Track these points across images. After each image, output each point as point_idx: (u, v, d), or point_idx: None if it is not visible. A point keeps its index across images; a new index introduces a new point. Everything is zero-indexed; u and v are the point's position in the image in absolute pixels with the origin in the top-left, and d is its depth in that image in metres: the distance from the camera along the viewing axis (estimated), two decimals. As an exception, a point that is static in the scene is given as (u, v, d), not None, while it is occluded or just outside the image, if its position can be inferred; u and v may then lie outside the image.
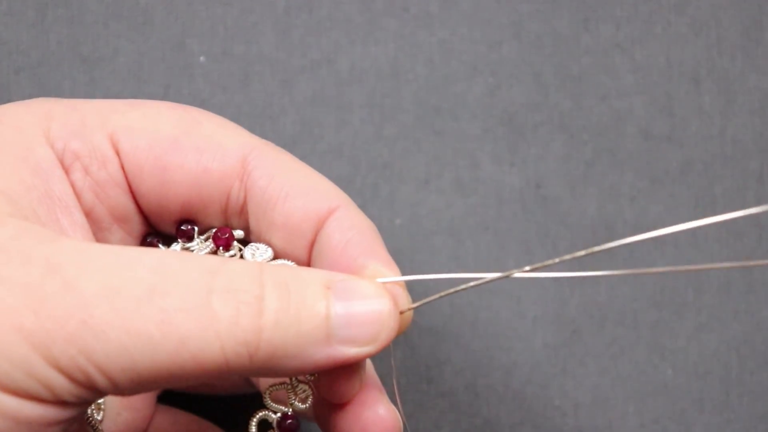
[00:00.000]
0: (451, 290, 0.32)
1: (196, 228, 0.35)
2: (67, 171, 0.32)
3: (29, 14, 0.45)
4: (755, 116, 0.46)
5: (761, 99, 0.46)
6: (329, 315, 0.28)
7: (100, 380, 0.26)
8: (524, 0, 0.46)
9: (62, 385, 0.25)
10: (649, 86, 0.46)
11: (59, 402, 0.26)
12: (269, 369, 0.27)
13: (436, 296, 0.32)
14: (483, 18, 0.46)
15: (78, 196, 0.32)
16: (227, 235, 0.34)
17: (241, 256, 0.34)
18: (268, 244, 0.34)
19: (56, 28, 0.45)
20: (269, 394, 0.33)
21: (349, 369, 0.32)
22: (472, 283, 0.30)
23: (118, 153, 0.33)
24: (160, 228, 0.35)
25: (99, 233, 0.34)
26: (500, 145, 0.45)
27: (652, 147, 0.45)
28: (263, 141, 0.35)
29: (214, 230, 0.34)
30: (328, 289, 0.28)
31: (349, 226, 0.33)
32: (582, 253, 0.30)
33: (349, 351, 0.28)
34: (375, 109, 0.45)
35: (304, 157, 0.35)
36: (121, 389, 0.26)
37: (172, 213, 0.34)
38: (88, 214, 0.33)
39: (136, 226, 0.35)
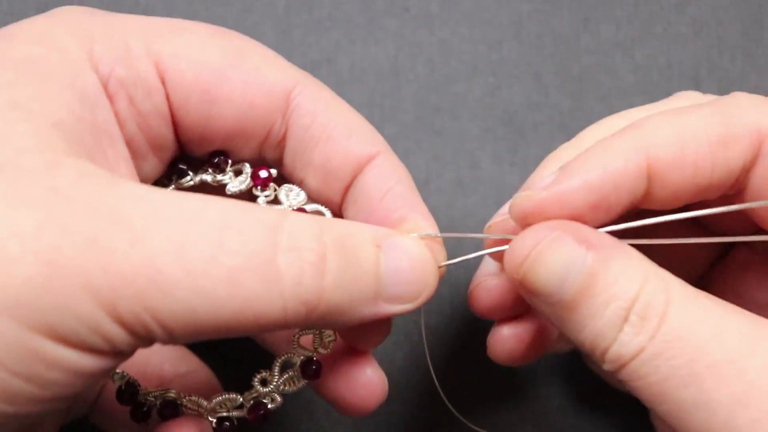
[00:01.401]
0: (485, 252, 0.33)
1: (230, 161, 0.34)
2: (111, 99, 0.31)
3: (29, 14, 0.45)
4: (755, 116, 0.46)
5: (761, 99, 0.46)
6: (379, 275, 0.28)
7: (160, 334, 0.26)
8: (524, 0, 0.46)
9: (122, 339, 0.25)
10: (649, 86, 0.46)
11: (115, 353, 0.26)
12: (320, 325, 0.28)
13: (471, 256, 0.33)
14: (483, 18, 0.46)
15: (121, 125, 0.32)
16: (267, 175, 0.34)
17: (276, 198, 0.34)
18: (302, 182, 0.34)
19: (56, 28, 0.45)
20: (298, 338, 0.33)
21: (382, 320, 0.32)
22: (505, 247, 0.31)
23: (163, 82, 0.32)
24: (191, 153, 0.35)
25: (135, 160, 0.33)
26: (500, 145, 0.45)
27: (652, 147, 0.45)
28: (305, 74, 0.34)
29: (246, 164, 0.34)
30: (378, 247, 0.28)
31: (389, 175, 0.33)
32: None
33: (394, 308, 0.29)
34: (375, 109, 0.45)
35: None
36: (177, 341, 0.26)
37: (212, 144, 0.34)
38: (128, 143, 0.32)
39: (169, 154, 0.34)
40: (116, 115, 0.32)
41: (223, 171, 0.35)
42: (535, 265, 0.30)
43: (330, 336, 0.33)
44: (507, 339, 0.35)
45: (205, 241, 0.26)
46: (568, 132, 0.45)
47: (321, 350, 0.33)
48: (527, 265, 0.30)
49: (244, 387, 0.35)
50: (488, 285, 0.34)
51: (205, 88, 0.32)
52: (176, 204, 0.26)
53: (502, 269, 0.32)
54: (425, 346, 0.36)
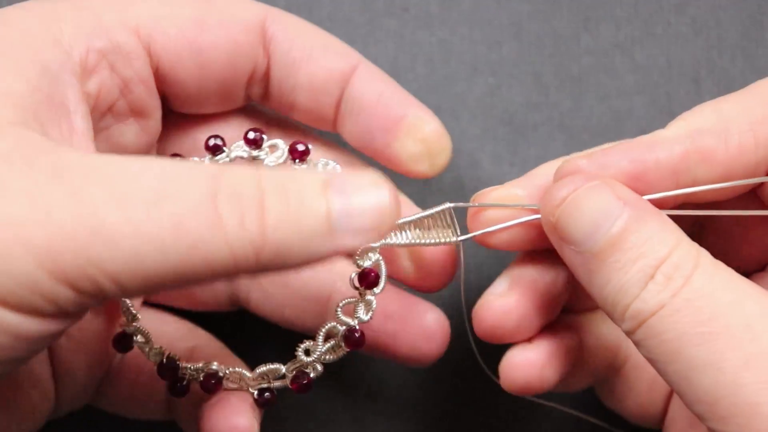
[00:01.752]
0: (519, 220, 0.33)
1: (265, 137, 0.35)
2: (92, 70, 0.32)
3: (29, 14, 0.45)
4: (755, 116, 0.46)
5: (761, 99, 0.46)
6: (329, 209, 0.28)
7: (109, 287, 0.26)
8: (524, 0, 0.46)
9: (67, 298, 0.25)
10: (649, 86, 0.46)
11: (61, 314, 0.26)
12: (276, 265, 0.28)
13: (499, 227, 0.34)
14: (483, 18, 0.46)
15: (98, 95, 0.33)
16: (304, 149, 0.35)
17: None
18: (292, 106, 0.36)
19: (56, 28, 0.45)
20: (342, 307, 0.34)
21: (444, 259, 0.35)
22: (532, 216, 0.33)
23: (148, 48, 0.33)
24: (189, 112, 0.36)
25: (116, 125, 0.34)
26: (500, 145, 0.45)
27: (652, 147, 0.45)
28: (273, 8, 0.36)
29: (280, 141, 0.35)
30: (326, 186, 0.28)
31: (376, 80, 0.36)
32: None
33: (353, 240, 0.29)
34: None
35: (304, 157, 0.36)
36: (128, 293, 0.26)
37: (209, 97, 0.35)
38: (110, 108, 0.34)
39: (154, 123, 0.35)
40: (101, 83, 0.33)
41: (259, 147, 0.35)
42: (570, 207, 0.30)
43: (371, 302, 0.34)
44: (521, 366, 0.34)
45: (148, 190, 0.26)
46: (568, 132, 0.45)
47: (362, 317, 0.34)
48: (563, 208, 0.30)
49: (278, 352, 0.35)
50: (493, 305, 0.34)
51: (191, 40, 0.34)
52: (117, 163, 0.27)
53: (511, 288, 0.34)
54: (465, 320, 0.36)
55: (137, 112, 0.35)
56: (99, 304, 0.27)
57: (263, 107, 0.39)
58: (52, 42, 0.31)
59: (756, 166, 0.33)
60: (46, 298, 0.25)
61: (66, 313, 0.26)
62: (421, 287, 0.37)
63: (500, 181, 0.45)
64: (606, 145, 0.34)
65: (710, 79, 0.46)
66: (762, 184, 0.34)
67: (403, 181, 0.45)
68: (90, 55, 0.32)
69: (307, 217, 0.27)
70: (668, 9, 0.46)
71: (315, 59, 0.35)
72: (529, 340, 0.35)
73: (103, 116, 0.34)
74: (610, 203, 0.30)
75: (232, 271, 0.27)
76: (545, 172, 0.34)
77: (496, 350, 0.35)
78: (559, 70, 0.46)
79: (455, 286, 0.36)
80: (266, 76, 0.36)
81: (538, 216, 0.33)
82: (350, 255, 0.35)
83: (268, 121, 0.39)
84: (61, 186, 0.25)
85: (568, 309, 0.37)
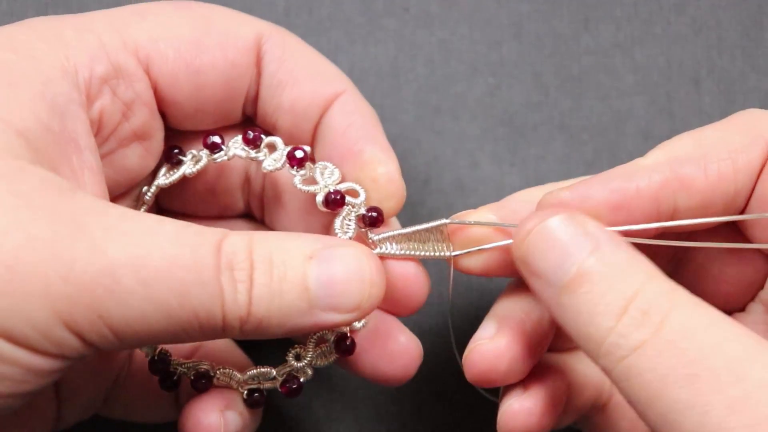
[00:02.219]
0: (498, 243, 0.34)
1: (263, 136, 0.35)
2: (95, 97, 0.32)
3: (29, 14, 0.45)
4: (755, 116, 0.46)
5: (761, 99, 0.46)
6: (308, 287, 0.29)
7: (112, 340, 0.27)
8: (524, 0, 0.46)
9: (72, 345, 0.27)
10: (649, 86, 0.46)
11: (63, 357, 0.27)
12: (257, 335, 0.29)
13: (485, 246, 0.34)
14: (483, 18, 0.46)
15: (107, 118, 0.33)
16: (303, 155, 0.35)
17: (311, 176, 0.35)
18: (275, 126, 0.36)
19: (56, 28, 0.45)
20: None
21: (412, 283, 0.34)
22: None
23: (147, 69, 0.33)
24: (188, 129, 0.36)
25: (120, 149, 0.34)
26: (500, 145, 0.45)
27: (652, 147, 0.45)
28: (270, 24, 0.36)
29: (278, 140, 0.35)
30: (310, 259, 0.29)
31: (352, 111, 0.35)
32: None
33: (334, 318, 0.29)
34: (375, 109, 0.45)
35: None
36: (124, 346, 0.28)
37: (207, 115, 0.35)
38: (113, 133, 0.34)
39: (157, 144, 0.35)
40: (102, 109, 0.33)
41: (257, 147, 0.35)
42: (537, 239, 0.30)
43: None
44: (520, 415, 0.34)
45: (161, 254, 0.27)
46: (568, 132, 0.45)
47: (356, 324, 0.34)
48: (530, 240, 0.30)
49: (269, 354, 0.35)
50: (483, 349, 0.33)
51: (188, 61, 0.34)
52: (133, 218, 0.28)
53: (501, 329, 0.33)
54: (452, 337, 0.36)
55: (140, 135, 0.35)
56: (97, 352, 0.28)
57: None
58: (60, 71, 0.31)
59: (735, 194, 0.33)
60: (54, 343, 0.27)
61: (68, 357, 0.27)
62: (376, 380, 0.36)
63: (500, 181, 0.45)
64: (584, 178, 0.34)
65: (710, 79, 0.46)
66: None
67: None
68: (93, 81, 0.32)
69: (288, 291, 0.29)
70: (668, 9, 0.46)
71: (300, 83, 0.35)
72: (523, 385, 0.34)
73: (105, 141, 0.34)
74: (578, 235, 0.29)
75: (219, 336, 0.29)
76: (521, 198, 0.35)
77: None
78: (559, 70, 0.46)
79: (442, 306, 0.36)
80: (257, 96, 0.36)
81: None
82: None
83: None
84: (82, 241, 0.26)
85: (551, 348, 0.36)
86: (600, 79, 0.45)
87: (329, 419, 0.44)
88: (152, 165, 0.36)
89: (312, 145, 0.36)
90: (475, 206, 0.45)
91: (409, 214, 0.45)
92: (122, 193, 0.36)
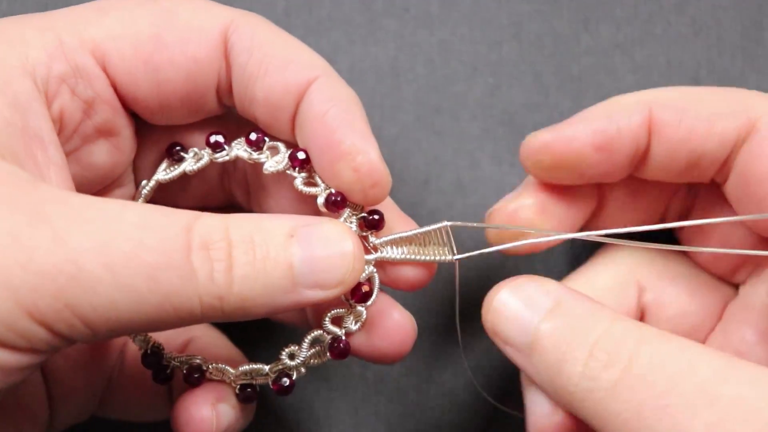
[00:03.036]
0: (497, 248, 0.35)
1: (267, 139, 0.35)
2: (53, 96, 0.32)
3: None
4: (755, 116, 0.46)
5: (761, 99, 0.46)
6: (292, 264, 0.29)
7: (82, 330, 0.27)
8: (524, 0, 0.46)
9: (41, 337, 0.26)
10: (649, 86, 0.45)
11: (34, 351, 0.27)
12: (240, 315, 0.29)
13: (486, 250, 0.34)
14: (483, 18, 0.46)
15: (67, 116, 0.32)
16: (304, 157, 0.34)
17: (312, 178, 0.34)
18: (255, 118, 0.35)
19: (56, 28, 0.45)
20: (330, 318, 0.34)
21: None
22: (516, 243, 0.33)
23: (104, 67, 0.33)
24: (159, 123, 0.35)
25: (85, 146, 0.34)
26: (500, 145, 0.45)
27: (652, 147, 0.45)
28: (242, 12, 0.35)
29: (281, 144, 0.35)
30: (291, 237, 0.29)
31: (327, 98, 0.33)
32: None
33: (317, 294, 0.30)
34: (375, 109, 0.45)
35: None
36: (98, 337, 0.28)
37: (173, 109, 0.34)
38: (75, 131, 0.33)
39: (126, 140, 0.35)
40: (62, 108, 0.32)
41: (260, 149, 0.35)
42: (495, 313, 0.31)
43: (361, 313, 0.34)
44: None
45: (126, 238, 0.27)
46: (568, 132, 0.45)
47: (351, 327, 0.34)
48: (493, 311, 0.32)
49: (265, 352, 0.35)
50: (541, 425, 0.33)
51: (146, 58, 0.33)
52: (96, 206, 0.28)
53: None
54: (458, 332, 0.36)
55: (105, 132, 0.34)
56: (69, 345, 0.28)
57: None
58: (21, 70, 0.31)
59: (701, 155, 0.33)
60: (21, 335, 0.26)
61: (38, 351, 0.27)
62: (372, 359, 0.36)
63: (500, 181, 0.45)
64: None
65: (710, 79, 0.46)
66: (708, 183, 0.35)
67: (401, 180, 0.45)
68: (51, 80, 0.32)
69: (272, 270, 0.28)
70: (668, 9, 0.46)
71: (271, 73, 0.34)
72: None
73: (69, 139, 0.33)
74: (536, 293, 0.31)
75: (198, 320, 0.28)
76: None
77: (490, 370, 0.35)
78: (559, 70, 0.46)
79: (449, 303, 0.36)
80: (230, 87, 0.35)
81: (549, 237, 0.34)
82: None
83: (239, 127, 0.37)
84: (43, 230, 0.26)
85: None
86: (600, 79, 0.45)
87: (329, 419, 0.44)
88: (125, 160, 0.36)
89: (292, 133, 0.35)
90: (475, 206, 0.45)
91: (409, 214, 0.45)
92: (102, 189, 0.36)
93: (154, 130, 0.36)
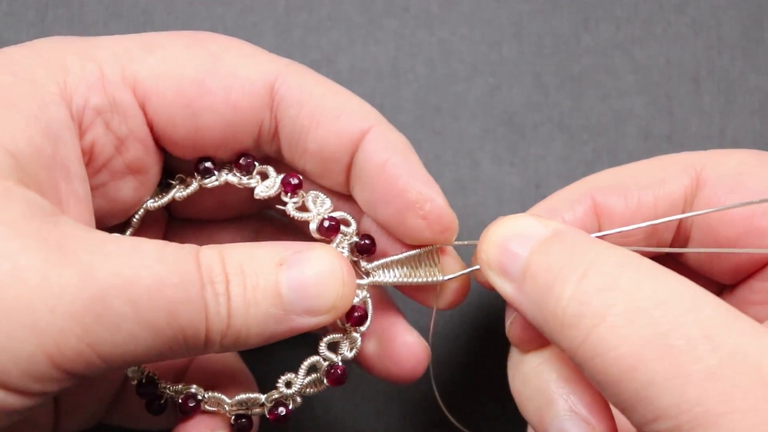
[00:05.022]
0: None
1: (256, 163, 0.35)
2: (87, 128, 0.31)
3: (29, 14, 0.45)
4: (755, 116, 0.46)
5: (761, 99, 0.46)
6: (281, 293, 0.29)
7: (98, 367, 0.27)
8: (524, 0, 0.46)
9: (56, 379, 0.26)
10: (649, 86, 0.46)
11: (44, 393, 0.26)
12: (236, 347, 0.29)
13: (471, 269, 0.34)
14: (483, 18, 0.46)
15: (98, 150, 0.32)
16: (297, 182, 0.34)
17: (303, 205, 0.34)
18: (304, 170, 0.35)
19: (56, 28, 0.45)
20: (326, 344, 0.34)
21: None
22: None
23: (143, 106, 0.32)
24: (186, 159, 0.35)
25: (112, 182, 0.34)
26: (500, 145, 0.45)
27: (652, 147, 0.45)
28: (287, 62, 0.34)
29: (270, 168, 0.35)
30: (280, 265, 0.29)
31: (384, 147, 0.33)
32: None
33: (309, 321, 0.29)
34: (375, 109, 0.45)
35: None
36: (110, 370, 0.27)
37: (208, 152, 0.34)
38: (105, 165, 0.33)
39: (153, 177, 0.35)
40: (94, 141, 0.32)
41: (249, 173, 0.35)
42: (495, 238, 0.31)
43: (356, 340, 0.34)
44: None
45: (148, 273, 0.27)
46: (568, 132, 0.45)
47: (346, 354, 0.34)
48: (488, 239, 0.31)
49: (262, 377, 0.35)
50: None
51: (187, 103, 0.32)
52: (113, 241, 0.27)
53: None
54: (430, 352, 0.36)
55: (134, 170, 0.34)
56: (79, 382, 0.27)
57: None
58: (58, 97, 0.30)
59: (655, 228, 0.34)
60: (37, 380, 0.26)
61: (48, 393, 0.27)
62: (385, 379, 0.36)
63: (500, 181, 0.45)
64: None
65: (710, 79, 0.46)
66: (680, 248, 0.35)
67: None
68: (87, 111, 0.31)
69: (262, 299, 0.28)
70: (668, 9, 0.46)
71: (323, 125, 0.33)
72: None
73: (98, 172, 0.33)
74: (534, 224, 0.30)
75: (197, 353, 0.29)
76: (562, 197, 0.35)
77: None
78: (559, 70, 0.46)
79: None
80: (276, 138, 0.34)
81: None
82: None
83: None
84: (71, 266, 0.26)
85: None
86: (600, 79, 0.45)
87: (329, 419, 0.44)
88: (146, 196, 0.35)
89: (347, 185, 0.34)
90: (475, 206, 0.45)
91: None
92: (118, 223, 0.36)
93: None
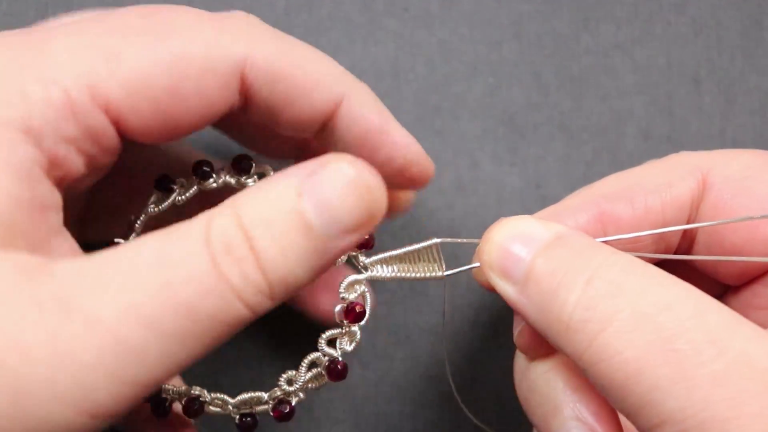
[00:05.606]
0: None
1: (253, 163, 0.35)
2: (61, 160, 0.30)
3: (29, 14, 0.45)
4: (755, 116, 0.46)
5: (761, 99, 0.46)
6: (311, 225, 0.27)
7: (143, 392, 0.26)
8: (524, 0, 0.46)
9: (84, 425, 0.25)
10: (649, 86, 0.46)
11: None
12: (290, 294, 0.27)
13: (472, 266, 0.33)
14: (483, 18, 0.46)
15: (64, 178, 0.30)
16: None
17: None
18: (273, 134, 0.34)
19: (56, 28, 0.45)
20: (326, 340, 0.34)
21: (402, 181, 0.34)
22: None
23: (117, 123, 0.30)
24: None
25: (84, 189, 0.33)
26: (500, 145, 0.45)
27: (652, 147, 0.45)
28: (255, 43, 0.32)
29: (268, 167, 0.35)
30: (300, 196, 0.27)
31: (360, 114, 0.33)
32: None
33: (351, 238, 0.27)
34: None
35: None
36: (159, 385, 0.27)
37: (177, 138, 0.33)
38: (76, 180, 0.31)
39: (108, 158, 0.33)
40: (68, 169, 0.30)
41: (247, 173, 0.35)
42: (497, 239, 0.30)
43: (355, 333, 0.34)
44: None
45: (154, 286, 0.25)
46: (568, 132, 0.45)
47: (346, 347, 0.34)
48: (491, 240, 0.31)
49: (264, 378, 0.35)
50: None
51: (163, 111, 0.31)
52: (108, 262, 0.26)
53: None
54: (444, 349, 0.36)
55: (99, 169, 0.33)
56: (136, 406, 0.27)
57: None
58: (23, 134, 0.28)
59: (664, 227, 0.33)
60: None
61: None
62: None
63: (500, 181, 0.45)
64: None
65: (710, 79, 0.46)
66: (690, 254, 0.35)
67: (403, 181, 0.45)
68: (59, 145, 0.29)
69: (296, 238, 0.27)
70: (668, 9, 0.46)
71: (298, 103, 0.33)
72: None
73: (71, 189, 0.32)
74: (537, 227, 0.30)
75: (252, 319, 0.27)
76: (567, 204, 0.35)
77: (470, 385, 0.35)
78: (559, 70, 0.46)
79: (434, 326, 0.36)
80: (244, 110, 0.33)
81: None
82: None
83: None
84: (75, 318, 0.25)
85: None
86: (600, 79, 0.45)
87: (329, 419, 0.44)
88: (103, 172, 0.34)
89: (316, 138, 0.34)
90: (475, 207, 0.45)
91: (409, 214, 0.45)
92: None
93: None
